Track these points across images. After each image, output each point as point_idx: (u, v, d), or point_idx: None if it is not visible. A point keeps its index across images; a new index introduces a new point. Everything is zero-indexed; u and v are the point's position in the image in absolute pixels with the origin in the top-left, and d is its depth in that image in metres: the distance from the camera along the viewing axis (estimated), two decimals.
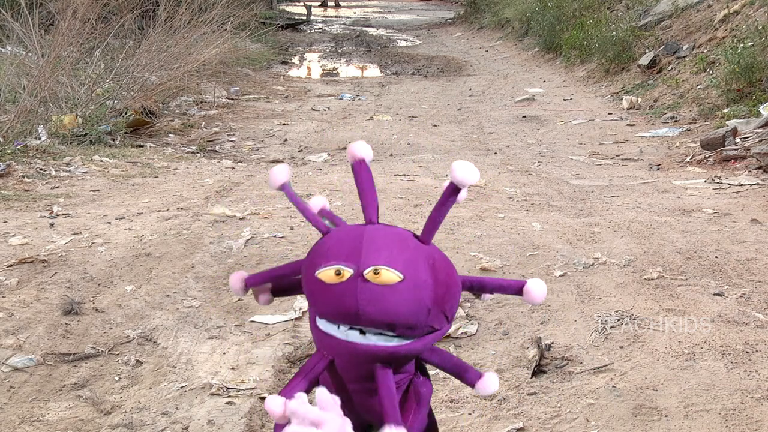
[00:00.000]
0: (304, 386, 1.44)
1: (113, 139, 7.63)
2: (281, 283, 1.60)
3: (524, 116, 9.90)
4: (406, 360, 1.47)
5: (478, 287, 1.54)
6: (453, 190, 1.45)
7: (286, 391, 1.41)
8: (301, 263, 1.51)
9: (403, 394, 1.51)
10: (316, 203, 1.64)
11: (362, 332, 1.40)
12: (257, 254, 4.10)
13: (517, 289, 1.50)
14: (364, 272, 1.36)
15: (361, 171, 1.54)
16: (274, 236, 4.36)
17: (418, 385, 1.51)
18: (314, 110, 10.70)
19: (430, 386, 1.55)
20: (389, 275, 1.36)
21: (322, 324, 1.43)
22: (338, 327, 1.41)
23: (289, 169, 1.56)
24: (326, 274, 1.38)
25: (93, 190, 5.69)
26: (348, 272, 1.37)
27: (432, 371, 1.64)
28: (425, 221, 1.48)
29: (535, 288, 1.49)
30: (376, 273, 1.36)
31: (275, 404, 1.35)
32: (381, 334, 1.39)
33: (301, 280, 1.53)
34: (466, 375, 1.52)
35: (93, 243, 4.26)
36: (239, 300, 3.52)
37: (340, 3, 35.96)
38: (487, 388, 1.49)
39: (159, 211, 5.01)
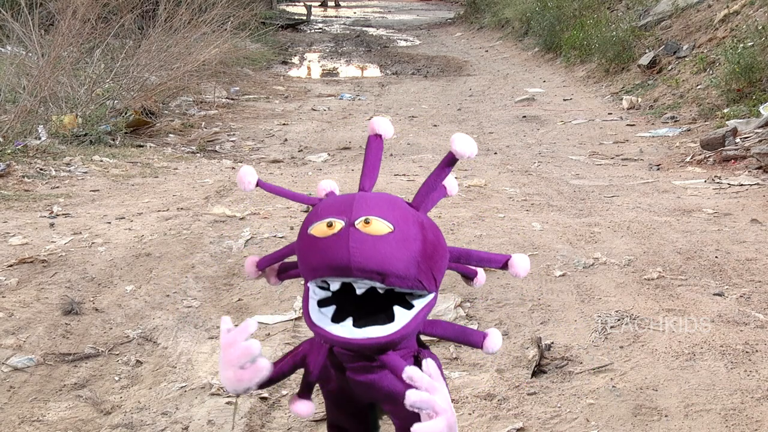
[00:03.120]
0: (316, 376, 1.52)
1: (113, 139, 7.63)
2: (286, 264, 1.68)
3: (524, 116, 9.90)
4: (402, 342, 1.48)
5: (465, 258, 1.56)
6: (450, 160, 1.48)
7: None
8: None
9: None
10: (325, 186, 1.68)
11: (355, 324, 1.40)
12: (257, 254, 4.09)
13: (503, 262, 1.53)
14: (355, 222, 1.37)
15: (373, 145, 1.58)
16: (274, 236, 4.36)
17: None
18: (314, 110, 10.70)
19: (435, 358, 1.55)
20: (379, 224, 1.38)
21: (316, 317, 1.44)
22: (330, 319, 1.43)
23: (253, 168, 1.61)
24: (318, 227, 1.40)
25: (93, 190, 5.69)
26: (339, 223, 1.38)
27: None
28: (419, 187, 1.52)
29: (520, 262, 1.52)
30: (366, 222, 1.37)
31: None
32: (374, 311, 1.40)
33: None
34: (471, 338, 1.54)
35: (93, 243, 4.26)
36: (239, 300, 3.52)
37: (340, 3, 35.97)
38: (494, 345, 1.50)
39: (159, 211, 5.02)
